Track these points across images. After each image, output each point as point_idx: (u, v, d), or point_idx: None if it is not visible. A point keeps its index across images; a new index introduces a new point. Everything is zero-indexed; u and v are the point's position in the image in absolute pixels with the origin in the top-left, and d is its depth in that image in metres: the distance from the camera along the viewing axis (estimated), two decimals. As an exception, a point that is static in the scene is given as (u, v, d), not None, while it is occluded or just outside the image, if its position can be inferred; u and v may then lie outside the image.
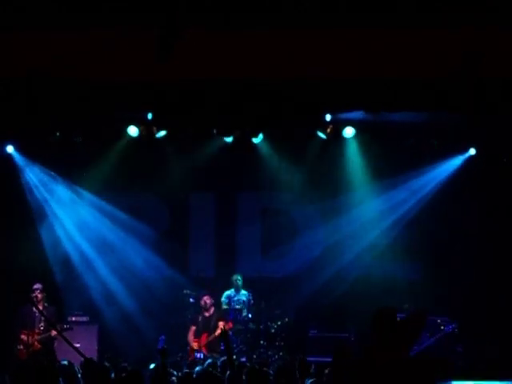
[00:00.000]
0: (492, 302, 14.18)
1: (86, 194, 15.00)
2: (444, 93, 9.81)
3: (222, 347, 13.38)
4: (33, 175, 14.89)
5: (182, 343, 13.71)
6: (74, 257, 14.84)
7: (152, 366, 9.21)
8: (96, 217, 15.07)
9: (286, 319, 14.04)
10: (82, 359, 8.47)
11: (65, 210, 14.99)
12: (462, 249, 14.52)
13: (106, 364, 8.51)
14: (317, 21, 9.44)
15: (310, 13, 9.31)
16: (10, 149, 14.74)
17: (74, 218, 15.00)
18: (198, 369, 8.91)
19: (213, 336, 13.39)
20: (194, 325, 13.70)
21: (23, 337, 12.77)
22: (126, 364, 11.06)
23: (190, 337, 13.65)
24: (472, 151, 14.70)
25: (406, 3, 8.83)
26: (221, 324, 13.36)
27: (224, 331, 11.51)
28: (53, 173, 14.90)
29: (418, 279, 14.45)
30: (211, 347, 13.41)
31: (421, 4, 8.81)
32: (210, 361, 9.83)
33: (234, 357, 12.98)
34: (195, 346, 13.48)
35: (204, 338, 13.53)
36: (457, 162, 14.77)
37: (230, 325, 13.51)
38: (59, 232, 14.87)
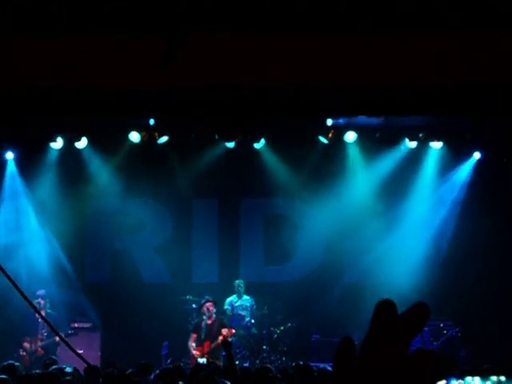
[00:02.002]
0: (497, 306, 14.15)
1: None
2: (448, 96, 9.80)
3: (224, 353, 13.40)
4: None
5: (185, 349, 13.66)
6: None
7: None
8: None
9: (289, 324, 14.02)
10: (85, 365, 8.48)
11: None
12: (466, 252, 14.53)
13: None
14: (318, 25, 9.45)
15: (312, 17, 9.33)
16: (9, 155, 14.76)
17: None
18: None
19: (215, 343, 13.22)
20: (195, 332, 13.51)
21: (26, 343, 12.78)
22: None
23: (191, 344, 13.43)
24: (477, 155, 14.67)
25: (408, 7, 8.84)
26: (224, 331, 13.27)
27: (225, 340, 11.53)
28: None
29: (421, 283, 14.42)
30: (214, 354, 13.28)
31: (423, 8, 8.81)
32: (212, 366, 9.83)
33: (237, 362, 12.99)
34: (198, 354, 13.31)
35: (206, 346, 13.36)
36: (465, 169, 14.74)
37: (232, 331, 13.40)
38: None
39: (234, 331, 13.35)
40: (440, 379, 1.67)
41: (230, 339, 13.09)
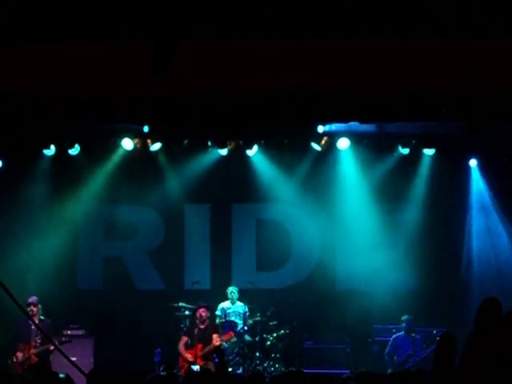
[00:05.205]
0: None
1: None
2: (440, 104, 9.84)
3: (216, 359, 13.35)
4: None
5: (177, 355, 13.61)
6: None
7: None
8: None
9: (282, 331, 14.01)
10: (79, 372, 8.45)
11: None
12: (462, 257, 14.59)
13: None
14: (310, 32, 9.48)
15: (304, 24, 9.34)
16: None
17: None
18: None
19: (209, 348, 13.16)
20: (186, 335, 13.45)
21: (19, 351, 12.71)
22: None
23: (181, 347, 13.35)
24: (473, 162, 14.68)
25: (403, 15, 8.86)
26: (215, 337, 13.22)
27: (218, 347, 11.50)
28: None
29: (414, 290, 14.46)
30: (206, 357, 13.23)
31: (419, 15, 8.84)
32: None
33: (230, 369, 12.99)
34: (190, 357, 13.19)
35: (199, 349, 13.26)
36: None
37: (231, 334, 13.34)
38: None
39: (232, 334, 13.30)
40: None
41: (225, 344, 13.13)
